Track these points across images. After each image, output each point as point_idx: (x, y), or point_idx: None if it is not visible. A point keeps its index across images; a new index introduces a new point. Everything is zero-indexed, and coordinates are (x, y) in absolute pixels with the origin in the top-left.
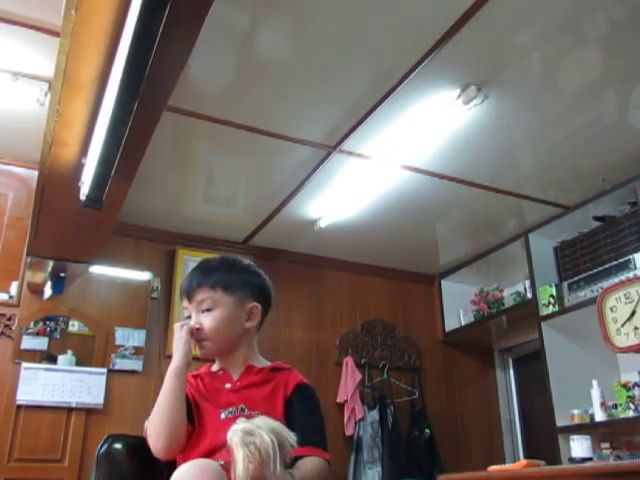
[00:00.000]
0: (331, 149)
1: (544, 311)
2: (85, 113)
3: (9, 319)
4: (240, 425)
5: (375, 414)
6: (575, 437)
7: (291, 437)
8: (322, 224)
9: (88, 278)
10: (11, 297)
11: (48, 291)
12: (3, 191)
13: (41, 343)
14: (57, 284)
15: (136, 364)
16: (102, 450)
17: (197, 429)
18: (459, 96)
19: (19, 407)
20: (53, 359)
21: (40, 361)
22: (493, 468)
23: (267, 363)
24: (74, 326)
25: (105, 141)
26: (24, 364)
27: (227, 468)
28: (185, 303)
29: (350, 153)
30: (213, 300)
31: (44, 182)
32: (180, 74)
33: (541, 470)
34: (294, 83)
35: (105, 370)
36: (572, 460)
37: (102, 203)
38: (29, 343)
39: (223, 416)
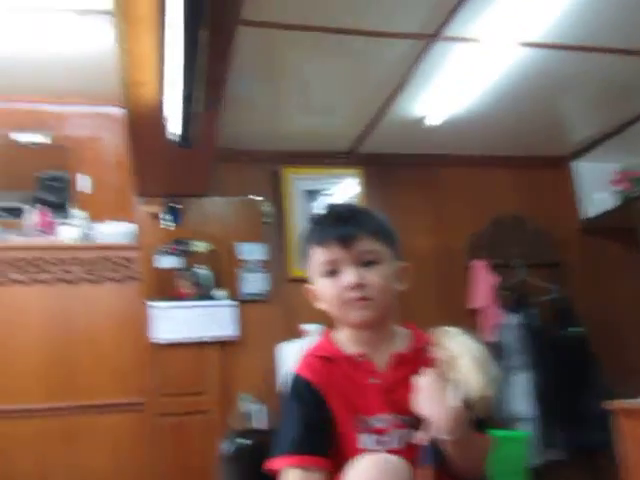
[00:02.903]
0: (431, 38)
1: None
2: (153, 48)
3: (131, 261)
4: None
5: (516, 317)
6: None
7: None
8: (431, 121)
9: (206, 202)
10: (129, 239)
11: (168, 222)
12: (102, 133)
13: (174, 262)
14: (174, 216)
15: (262, 284)
16: (227, 448)
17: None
18: None
19: (157, 346)
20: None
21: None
22: None
23: (403, 332)
24: (200, 246)
25: (178, 74)
26: (153, 303)
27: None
28: (330, 254)
29: (454, 39)
30: (377, 252)
31: (132, 124)
32: None
33: None
34: None
35: (233, 302)
36: None
37: (191, 140)
38: (166, 262)
39: (375, 422)
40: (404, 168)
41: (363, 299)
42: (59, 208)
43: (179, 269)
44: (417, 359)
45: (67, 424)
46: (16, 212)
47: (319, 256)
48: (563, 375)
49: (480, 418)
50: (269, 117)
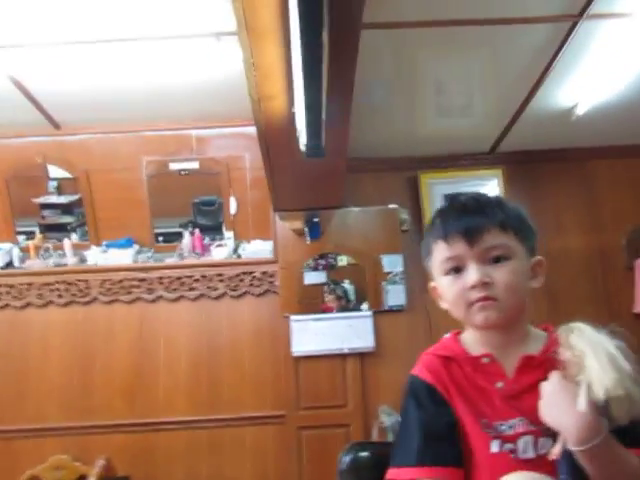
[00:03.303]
0: (576, 18)
1: None
2: (279, 60)
3: (271, 276)
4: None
5: None
6: None
7: None
8: (580, 111)
9: (345, 214)
10: (270, 255)
11: (308, 236)
12: (241, 153)
13: (320, 277)
14: (313, 230)
15: (404, 295)
16: (346, 460)
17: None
18: None
19: (296, 359)
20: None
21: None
22: None
23: (539, 335)
24: (343, 260)
25: (304, 84)
26: (293, 317)
27: None
28: (453, 250)
29: (602, 16)
30: (507, 247)
31: (265, 139)
32: None
33: None
34: None
35: (371, 312)
36: None
37: (323, 151)
38: (311, 278)
39: (502, 428)
40: (551, 164)
41: (487, 299)
42: (213, 230)
43: (324, 284)
44: (549, 363)
45: (213, 436)
46: (176, 237)
47: (441, 252)
48: None
49: (627, 428)
50: (403, 122)
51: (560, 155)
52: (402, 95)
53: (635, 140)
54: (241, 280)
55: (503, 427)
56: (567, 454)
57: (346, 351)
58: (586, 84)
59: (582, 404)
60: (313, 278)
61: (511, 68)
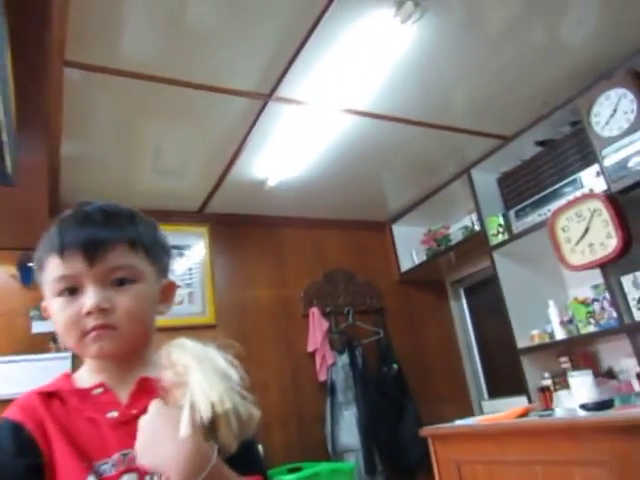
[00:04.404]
0: (266, 97)
1: (494, 241)
2: None
3: None
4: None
5: (345, 358)
6: (575, 374)
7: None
8: (271, 183)
9: None
10: None
11: (21, 281)
12: None
13: (49, 326)
14: (25, 275)
15: None
16: None
17: None
18: (395, 14)
19: None
20: None
21: None
22: (485, 419)
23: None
24: None
25: None
26: None
27: None
28: (68, 267)
29: (286, 100)
30: (135, 268)
31: None
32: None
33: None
34: (219, 27)
35: (69, 354)
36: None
37: (10, 178)
38: (38, 327)
39: (103, 468)
40: (248, 227)
41: (104, 327)
42: None
43: (51, 332)
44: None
45: None
46: None
47: (54, 268)
48: (383, 407)
49: (240, 453)
50: (120, 174)
51: (256, 221)
52: (120, 147)
53: (313, 214)
54: None
55: (105, 466)
56: None
57: None
58: (274, 160)
59: (184, 429)
60: (41, 327)
61: (215, 135)
